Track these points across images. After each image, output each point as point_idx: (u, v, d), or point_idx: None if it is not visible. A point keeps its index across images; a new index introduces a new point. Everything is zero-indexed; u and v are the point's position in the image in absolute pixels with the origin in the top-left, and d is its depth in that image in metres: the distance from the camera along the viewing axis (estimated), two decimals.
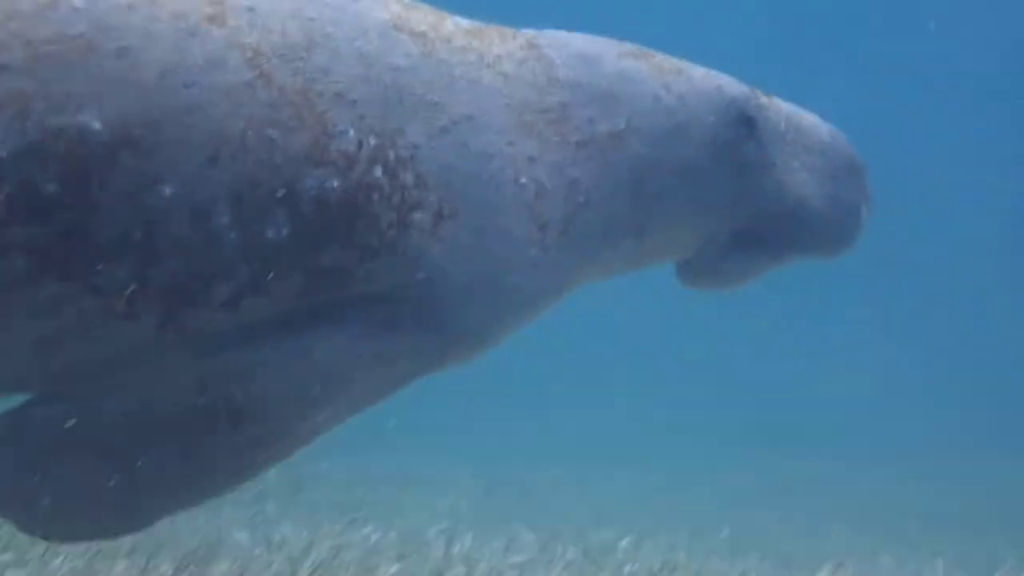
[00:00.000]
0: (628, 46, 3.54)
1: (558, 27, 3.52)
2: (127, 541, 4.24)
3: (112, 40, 2.76)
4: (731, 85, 3.61)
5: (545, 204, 3.22)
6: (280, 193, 2.85)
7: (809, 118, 3.76)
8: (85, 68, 2.72)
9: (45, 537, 3.05)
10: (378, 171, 2.96)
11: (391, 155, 2.98)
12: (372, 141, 2.96)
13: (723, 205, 3.57)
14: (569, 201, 3.27)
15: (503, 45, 3.31)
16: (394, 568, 4.57)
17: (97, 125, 2.72)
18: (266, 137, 2.84)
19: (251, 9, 2.95)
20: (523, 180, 3.17)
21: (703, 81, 3.57)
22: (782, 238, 3.69)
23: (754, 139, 3.57)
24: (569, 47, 3.43)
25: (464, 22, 3.32)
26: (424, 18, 3.21)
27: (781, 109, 3.70)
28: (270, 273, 2.89)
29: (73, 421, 2.87)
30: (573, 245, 3.30)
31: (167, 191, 2.76)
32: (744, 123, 3.56)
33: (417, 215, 3.01)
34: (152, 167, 2.75)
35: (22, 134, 2.67)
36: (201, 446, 2.93)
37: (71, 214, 2.71)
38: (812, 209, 3.67)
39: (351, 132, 2.93)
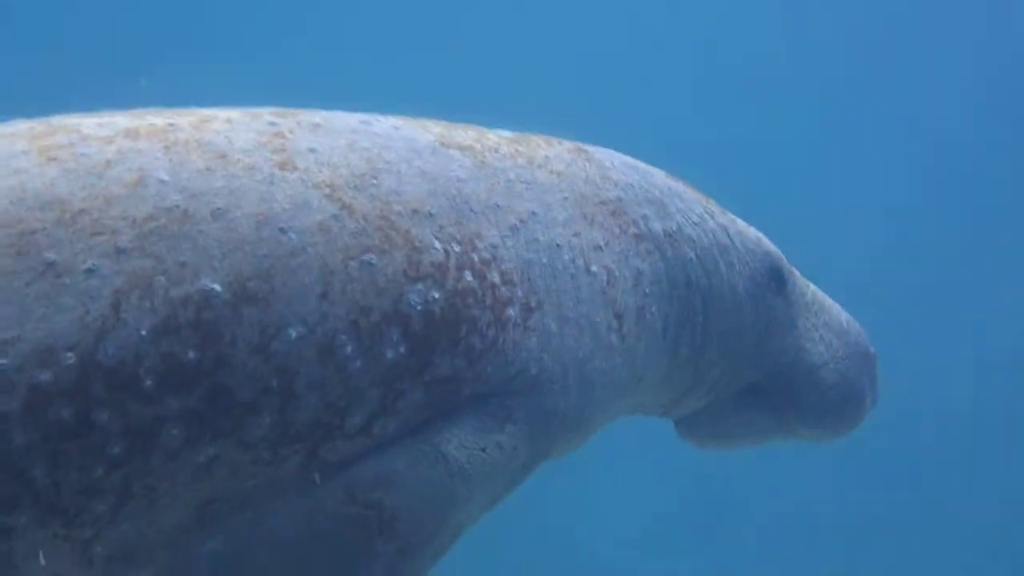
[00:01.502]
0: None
1: None
2: None
3: (204, 204, 2.85)
4: (768, 241, 3.84)
5: (617, 292, 3.37)
6: (383, 315, 2.94)
7: (830, 301, 3.98)
8: (189, 236, 2.80)
9: None
10: (468, 275, 3.08)
11: (475, 258, 3.11)
12: (456, 248, 3.08)
13: (748, 348, 3.74)
14: (637, 291, 3.43)
15: (549, 149, 3.48)
16: None
17: (217, 287, 2.79)
18: (365, 263, 2.94)
19: (312, 150, 3.06)
20: (594, 268, 3.33)
21: (744, 225, 3.80)
22: (789, 401, 3.84)
23: (783, 297, 3.77)
24: (618, 156, 3.63)
25: (506, 133, 3.48)
26: (466, 134, 3.37)
27: (808, 284, 3.92)
28: (396, 393, 2.97)
29: (228, 558, 2.90)
30: (644, 336, 3.45)
31: (292, 334, 2.84)
32: (777, 278, 3.77)
33: (509, 311, 3.14)
34: (274, 315, 2.83)
35: (153, 311, 2.73)
36: (364, 556, 2.98)
37: (212, 377, 2.77)
38: (823, 379, 3.84)
39: (436, 243, 3.06)
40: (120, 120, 2.97)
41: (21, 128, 2.90)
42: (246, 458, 2.85)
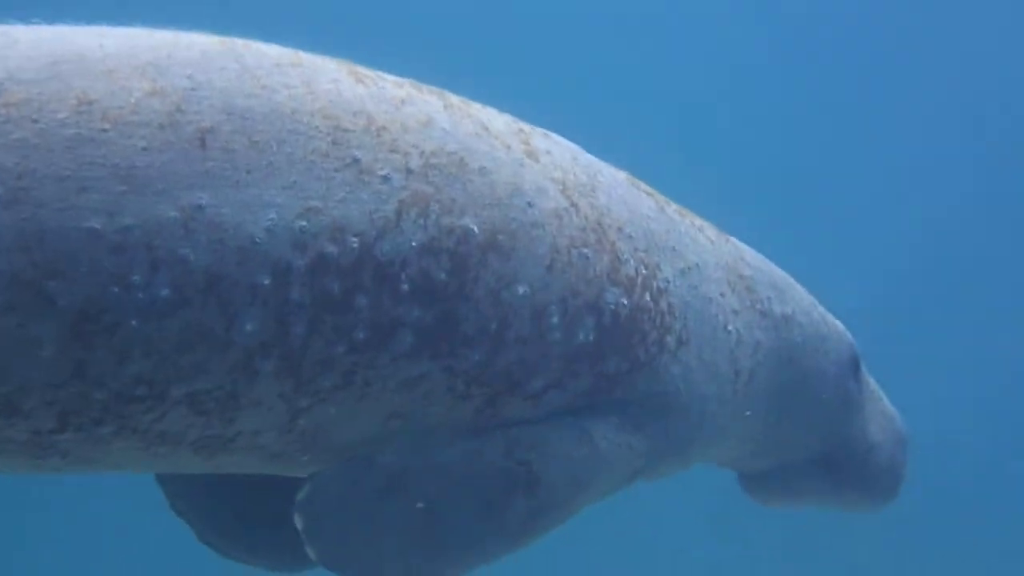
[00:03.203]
0: None
1: None
2: None
3: (475, 160, 3.26)
4: (847, 332, 4.38)
5: (740, 353, 3.82)
6: (585, 302, 3.36)
7: (881, 392, 4.53)
8: (461, 180, 3.20)
9: None
10: (647, 297, 3.52)
11: (654, 285, 3.55)
12: (643, 271, 3.52)
13: (825, 423, 4.24)
14: (753, 357, 3.88)
15: (702, 221, 3.96)
16: None
17: (475, 228, 3.18)
18: (583, 255, 3.37)
19: (548, 152, 3.50)
20: (729, 328, 3.79)
21: (831, 317, 4.32)
22: (847, 473, 4.35)
23: (857, 382, 4.30)
24: (747, 247, 4.13)
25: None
26: (645, 185, 3.84)
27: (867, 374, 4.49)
28: (572, 374, 3.37)
29: (397, 471, 3.23)
30: (750, 397, 3.90)
31: (520, 290, 3.23)
32: (855, 366, 4.30)
33: (668, 338, 3.57)
34: (510, 269, 3.22)
35: (424, 229, 3.11)
36: (499, 508, 3.32)
37: (450, 302, 3.14)
38: (879, 458, 4.39)
39: (631, 261, 3.49)
40: (398, 79, 3.40)
41: (325, 59, 3.30)
42: (444, 385, 3.20)
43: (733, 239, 4.06)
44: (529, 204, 3.30)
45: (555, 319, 3.29)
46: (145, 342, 2.87)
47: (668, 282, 3.60)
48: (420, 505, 3.24)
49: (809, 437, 4.22)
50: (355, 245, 3.02)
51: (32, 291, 2.76)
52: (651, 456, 3.62)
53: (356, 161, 3.07)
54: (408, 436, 3.24)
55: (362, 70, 3.29)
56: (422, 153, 3.17)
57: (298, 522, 3.23)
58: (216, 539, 3.75)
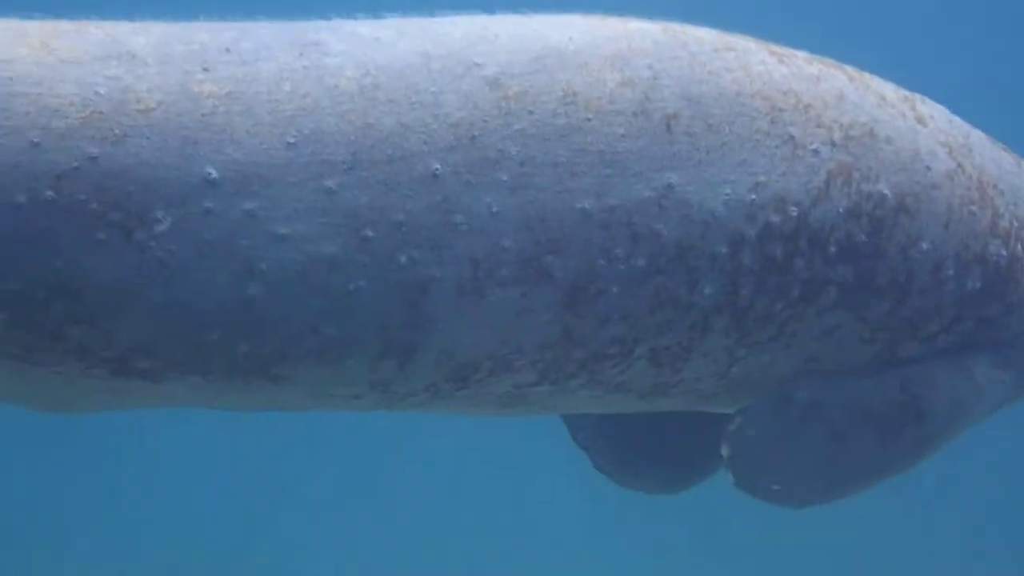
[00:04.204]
0: None
1: None
2: None
3: (882, 129, 3.55)
4: None
5: None
6: (974, 254, 3.69)
7: None
8: (873, 149, 3.52)
9: (768, 499, 3.72)
10: (1019, 247, 3.83)
11: (1023, 235, 3.87)
12: (1015, 224, 3.83)
13: None
14: None
15: None
16: None
17: (888, 193, 3.52)
18: (971, 212, 3.68)
19: (932, 117, 3.76)
20: None
21: None
22: None
23: None
24: None
25: None
26: (1000, 142, 4.13)
27: None
28: (960, 318, 3.72)
29: (811, 405, 3.61)
30: None
31: (924, 246, 3.57)
32: None
33: None
34: (916, 228, 3.56)
35: (848, 196, 3.45)
36: (893, 436, 3.69)
37: (868, 260, 3.49)
38: None
39: (1006, 215, 3.80)
40: (807, 55, 3.71)
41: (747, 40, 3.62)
42: (855, 332, 3.56)
43: None
44: (927, 168, 3.62)
45: (951, 271, 3.63)
46: (623, 307, 3.27)
47: None
48: (830, 433, 3.63)
49: None
50: (794, 213, 3.38)
51: (534, 266, 3.16)
52: (1017, 388, 3.96)
53: (791, 138, 3.41)
54: (819, 375, 3.62)
55: (778, 49, 3.61)
56: (841, 126, 3.50)
57: (724, 450, 3.64)
58: (609, 466, 4.18)
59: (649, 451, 4.18)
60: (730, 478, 3.68)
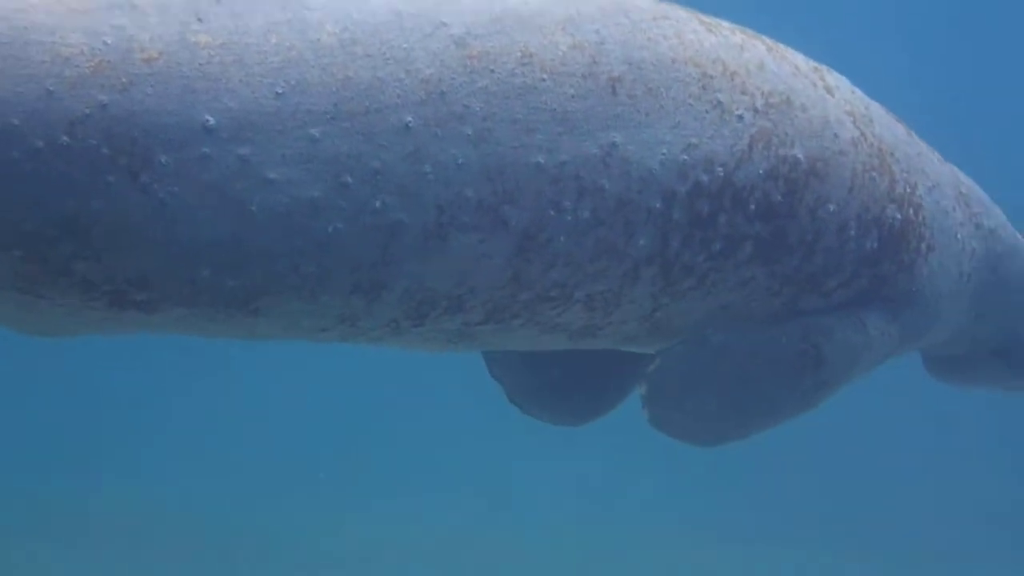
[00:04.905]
0: None
1: None
2: None
3: (797, 97, 3.91)
4: None
5: (964, 259, 4.53)
6: (873, 217, 4.07)
7: None
8: (788, 116, 3.87)
9: (678, 436, 4.10)
10: (911, 211, 4.23)
11: (915, 201, 4.25)
12: (908, 189, 4.22)
13: (1011, 324, 4.89)
14: (971, 263, 4.57)
15: (928, 145, 4.64)
16: None
17: (801, 157, 3.88)
18: (872, 177, 4.06)
19: (838, 87, 4.15)
20: (959, 236, 4.49)
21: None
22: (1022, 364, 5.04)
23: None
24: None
25: None
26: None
27: None
28: (857, 275, 4.10)
29: (722, 347, 3.99)
30: (967, 298, 4.63)
31: (831, 208, 3.93)
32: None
33: (923, 245, 4.29)
34: (824, 191, 3.92)
35: (767, 159, 3.80)
36: (794, 380, 4.08)
37: (782, 219, 3.85)
38: None
39: (901, 181, 4.20)
40: (731, 25, 4.04)
41: (677, 8, 3.93)
42: (765, 285, 3.92)
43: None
44: (835, 135, 3.99)
45: (852, 231, 4.00)
46: (567, 255, 3.57)
47: (922, 198, 4.30)
48: (738, 374, 4.01)
49: (997, 333, 4.96)
50: (721, 174, 3.71)
51: (492, 215, 3.45)
52: (902, 341, 4.37)
53: (720, 103, 3.74)
54: (729, 321, 3.98)
55: (706, 18, 3.93)
56: (763, 94, 3.84)
57: (642, 388, 3.99)
58: (520, 398, 4.52)
59: (558, 384, 4.52)
60: (645, 415, 4.03)
